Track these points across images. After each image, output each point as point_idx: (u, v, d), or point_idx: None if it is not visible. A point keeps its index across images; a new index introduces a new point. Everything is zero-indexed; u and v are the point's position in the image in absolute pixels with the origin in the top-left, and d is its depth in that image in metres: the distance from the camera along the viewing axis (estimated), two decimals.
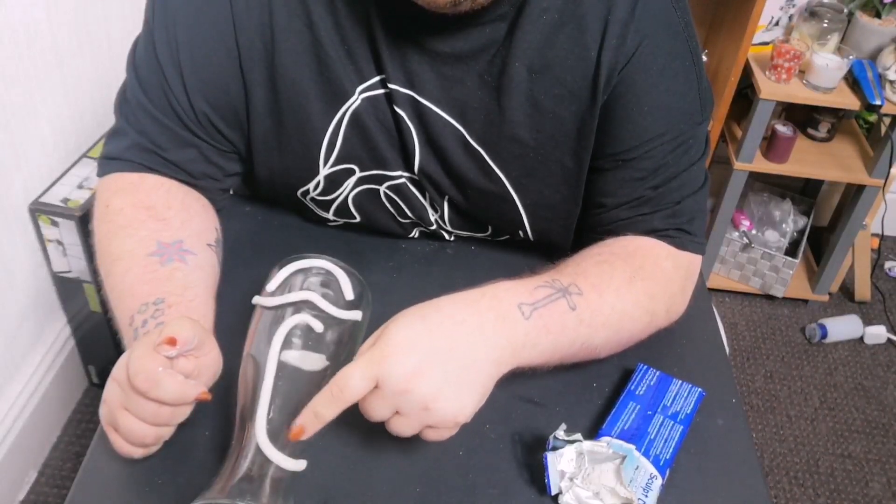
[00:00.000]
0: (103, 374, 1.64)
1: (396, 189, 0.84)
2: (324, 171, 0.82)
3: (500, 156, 0.79)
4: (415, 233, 0.91)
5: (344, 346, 0.70)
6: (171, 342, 0.60)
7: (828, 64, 1.74)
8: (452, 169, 0.81)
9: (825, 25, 1.78)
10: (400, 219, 0.88)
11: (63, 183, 1.44)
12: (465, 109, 0.77)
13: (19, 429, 1.44)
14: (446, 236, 0.91)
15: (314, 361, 0.67)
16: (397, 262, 0.88)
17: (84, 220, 1.39)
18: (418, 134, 0.79)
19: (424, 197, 0.85)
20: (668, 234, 0.79)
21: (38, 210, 1.39)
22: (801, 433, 1.83)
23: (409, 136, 0.79)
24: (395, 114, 0.78)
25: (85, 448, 1.61)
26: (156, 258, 0.73)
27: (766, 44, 1.89)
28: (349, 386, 0.60)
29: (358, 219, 0.88)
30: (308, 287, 0.71)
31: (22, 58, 1.32)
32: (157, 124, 0.79)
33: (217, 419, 0.69)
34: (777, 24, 1.92)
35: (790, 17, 1.91)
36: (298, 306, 0.69)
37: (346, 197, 0.85)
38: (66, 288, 1.50)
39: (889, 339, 2.07)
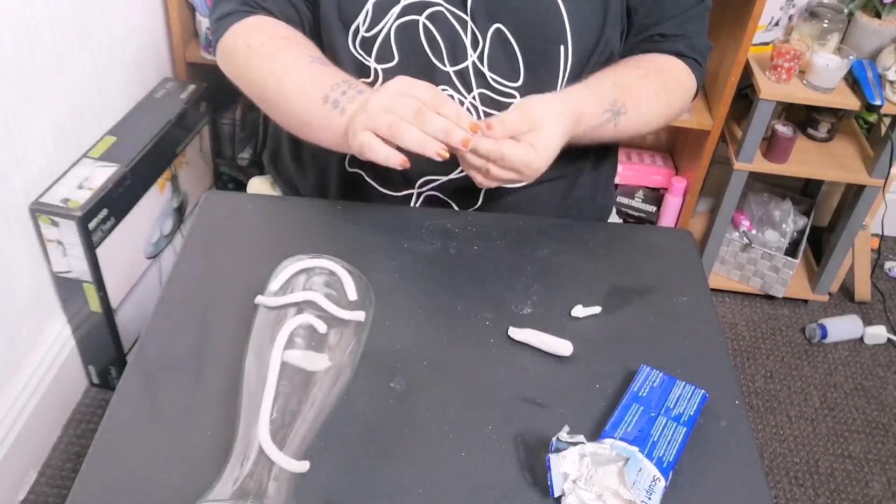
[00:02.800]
0: (103, 374, 1.64)
1: (434, 19, 0.92)
2: None
3: None
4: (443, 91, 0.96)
5: (347, 346, 0.69)
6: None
7: (828, 64, 1.74)
8: None
9: (825, 25, 1.78)
10: (435, 60, 0.94)
11: (63, 183, 1.44)
12: None
13: (19, 429, 1.44)
14: (469, 98, 0.96)
15: (317, 362, 0.67)
16: (400, 262, 0.88)
17: (84, 220, 1.39)
18: None
19: (466, 32, 0.93)
20: (687, 59, 1.03)
21: (38, 210, 1.39)
22: (801, 433, 1.83)
23: None
24: None
25: (85, 448, 1.62)
26: (318, 62, 0.91)
27: (766, 44, 1.89)
28: (507, 156, 0.81)
29: (396, 58, 0.94)
30: (311, 287, 0.71)
31: (22, 58, 1.32)
32: None
33: (219, 419, 0.69)
34: (777, 24, 1.92)
35: (790, 18, 1.91)
36: (301, 306, 0.69)
37: (389, 31, 0.93)
38: (66, 288, 1.50)
39: (889, 339, 2.07)
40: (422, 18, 0.92)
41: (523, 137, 0.83)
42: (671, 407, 0.72)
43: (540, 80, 0.96)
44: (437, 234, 0.93)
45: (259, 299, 0.71)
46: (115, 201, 1.48)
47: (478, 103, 0.96)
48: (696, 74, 1.04)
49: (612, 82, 0.95)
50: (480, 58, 0.94)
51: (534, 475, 0.69)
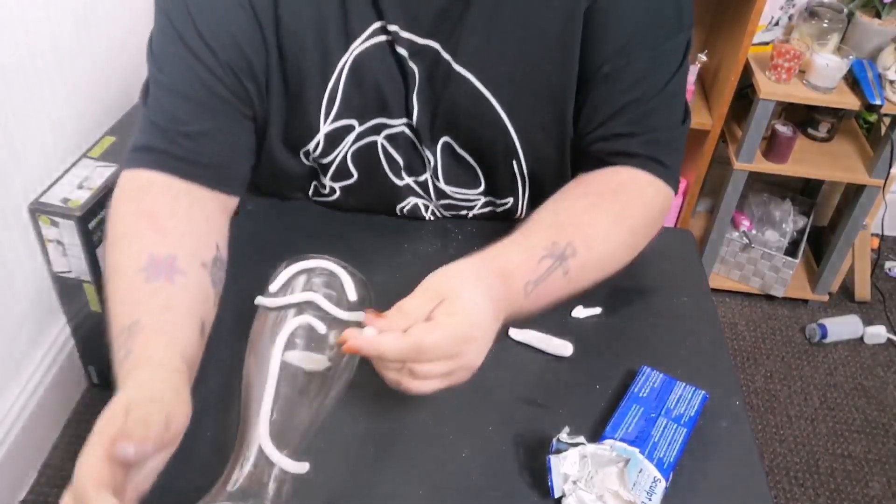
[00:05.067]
0: (103, 375, 1.64)
1: (393, 139, 0.85)
2: (324, 128, 0.83)
3: (490, 78, 0.80)
4: (407, 202, 0.92)
5: None
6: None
7: (828, 64, 1.74)
8: (444, 102, 0.82)
9: (825, 25, 1.78)
10: (394, 177, 0.88)
11: (63, 183, 1.44)
12: (454, 37, 0.79)
13: (19, 429, 1.44)
14: (434, 204, 0.92)
15: (317, 362, 0.67)
16: (399, 263, 0.88)
17: (84, 220, 1.39)
18: (420, 76, 0.81)
19: (421, 146, 0.86)
20: (648, 161, 0.82)
21: (38, 210, 1.39)
22: (801, 433, 1.83)
23: (411, 79, 0.81)
24: (397, 57, 0.80)
25: None
26: (142, 275, 0.70)
27: (766, 44, 1.89)
28: (425, 341, 0.62)
29: (355, 177, 0.89)
30: (311, 288, 0.71)
31: (22, 58, 1.32)
32: (174, 96, 0.77)
33: (219, 420, 0.69)
34: (777, 24, 1.92)
35: (790, 17, 1.91)
36: (301, 307, 0.69)
37: (346, 155, 0.86)
38: (66, 288, 1.50)
39: (889, 339, 2.07)
40: (380, 139, 0.86)
41: (434, 315, 0.64)
42: (671, 408, 0.72)
43: (502, 186, 0.90)
44: (437, 234, 0.93)
45: (259, 300, 0.71)
46: None
47: (442, 212, 0.94)
48: (666, 179, 0.84)
49: (549, 222, 0.78)
50: (435, 174, 0.89)
51: (534, 476, 0.68)
